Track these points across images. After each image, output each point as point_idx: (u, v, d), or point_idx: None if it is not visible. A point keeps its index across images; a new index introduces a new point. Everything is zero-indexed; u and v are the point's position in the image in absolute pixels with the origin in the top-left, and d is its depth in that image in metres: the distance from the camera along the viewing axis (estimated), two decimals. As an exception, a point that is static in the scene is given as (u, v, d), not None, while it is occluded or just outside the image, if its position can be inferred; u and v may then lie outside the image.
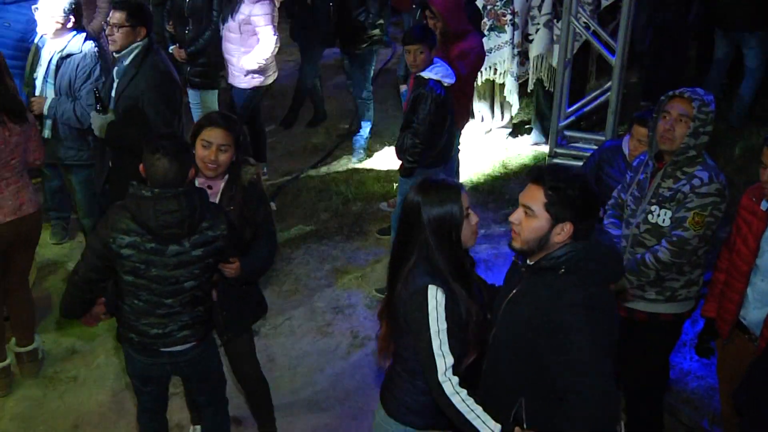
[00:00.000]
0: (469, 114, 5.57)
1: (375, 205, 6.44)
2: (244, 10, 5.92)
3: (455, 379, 2.72)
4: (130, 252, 3.20)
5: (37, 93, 4.79)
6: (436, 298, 2.72)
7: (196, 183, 3.47)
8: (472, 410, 2.71)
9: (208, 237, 3.26)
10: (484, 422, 2.68)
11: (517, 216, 2.69)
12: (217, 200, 3.49)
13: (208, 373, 3.65)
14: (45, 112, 4.71)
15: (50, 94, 4.74)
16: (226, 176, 3.53)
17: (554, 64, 6.47)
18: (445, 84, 4.81)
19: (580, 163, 4.51)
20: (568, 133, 5.01)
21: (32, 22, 5.11)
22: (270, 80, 6.36)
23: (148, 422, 3.75)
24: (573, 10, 4.62)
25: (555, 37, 6.43)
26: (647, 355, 3.84)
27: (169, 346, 3.41)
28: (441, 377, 2.72)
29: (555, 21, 6.43)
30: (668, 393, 4.32)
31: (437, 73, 4.79)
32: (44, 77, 4.75)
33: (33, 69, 4.84)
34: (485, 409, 2.71)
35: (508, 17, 6.62)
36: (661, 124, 3.52)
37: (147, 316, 3.33)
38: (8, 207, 4.12)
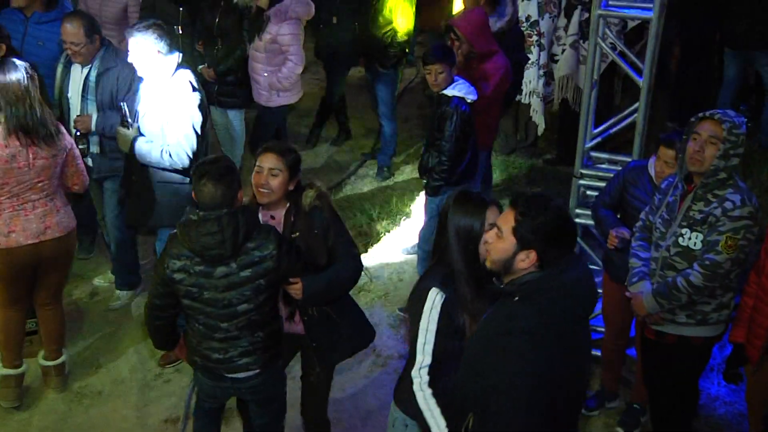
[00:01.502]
0: (495, 134, 5.56)
1: (399, 223, 6.44)
2: (271, 29, 5.97)
3: (425, 378, 2.96)
4: (182, 276, 3.27)
5: (76, 112, 4.84)
6: (433, 300, 2.93)
7: (260, 216, 3.50)
8: (429, 409, 2.96)
9: (255, 258, 3.26)
10: (436, 422, 2.93)
11: (489, 235, 2.75)
12: (280, 229, 3.46)
13: (271, 401, 3.64)
14: (93, 128, 4.77)
15: (92, 110, 4.80)
16: (288, 204, 3.50)
17: (580, 84, 6.46)
18: (468, 100, 4.82)
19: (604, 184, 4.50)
20: (593, 153, 4.97)
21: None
22: (295, 99, 6.40)
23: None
24: (600, 31, 4.60)
25: (581, 58, 6.42)
26: (676, 378, 3.80)
27: (232, 373, 3.42)
28: (414, 372, 2.98)
29: (581, 41, 6.42)
30: (696, 419, 4.26)
31: (460, 90, 4.80)
32: (83, 95, 4.80)
33: (63, 88, 4.89)
34: (444, 412, 2.92)
35: (534, 38, 6.62)
36: (690, 145, 3.50)
37: (207, 340, 3.37)
38: (31, 230, 4.13)
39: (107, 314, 5.27)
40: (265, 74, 6.10)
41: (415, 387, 2.97)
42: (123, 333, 5.12)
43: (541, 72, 6.71)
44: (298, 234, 3.47)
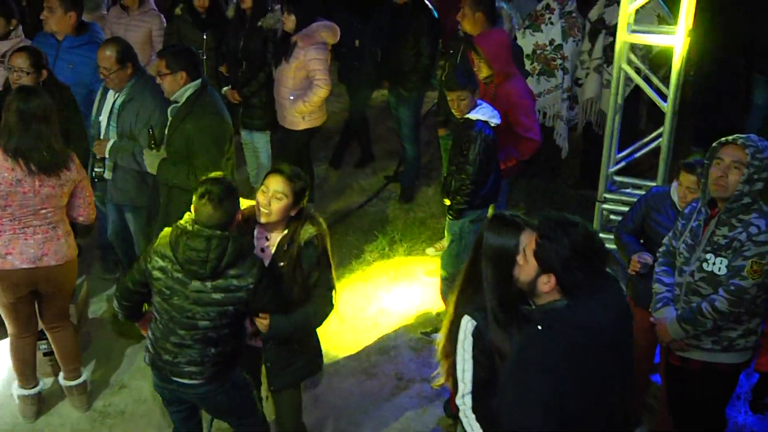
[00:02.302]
0: (517, 160, 5.53)
1: (421, 246, 6.44)
2: (299, 54, 6.02)
3: (469, 404, 2.96)
4: (159, 275, 3.40)
5: (101, 136, 4.91)
6: (465, 329, 2.95)
7: (255, 233, 3.55)
8: (472, 429, 2.97)
9: (231, 285, 3.33)
10: None
11: (519, 257, 2.76)
12: (270, 251, 3.53)
13: (223, 411, 3.74)
14: (106, 154, 4.83)
15: (113, 136, 4.86)
16: (285, 231, 3.53)
17: (604, 108, 6.46)
18: (492, 124, 4.83)
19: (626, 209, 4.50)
20: (617, 178, 4.97)
21: (95, 65, 5.29)
22: (319, 122, 6.44)
23: None
24: (624, 56, 4.61)
25: (605, 82, 6.43)
26: (703, 406, 3.75)
27: (176, 376, 3.52)
28: (458, 399, 2.99)
29: (605, 66, 6.43)
30: (723, 447, 4.20)
31: (483, 113, 4.81)
32: (108, 120, 4.87)
33: (99, 111, 4.96)
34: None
35: (558, 62, 6.64)
36: (713, 170, 3.49)
37: (163, 340, 3.49)
38: (28, 254, 4.14)
39: (131, 334, 5.28)
40: (291, 98, 6.15)
41: (461, 414, 3.00)
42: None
43: (565, 96, 6.72)
44: (283, 264, 3.50)
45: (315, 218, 3.57)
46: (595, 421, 2.67)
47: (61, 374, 4.61)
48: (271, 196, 3.45)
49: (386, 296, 5.81)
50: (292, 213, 3.50)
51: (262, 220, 3.49)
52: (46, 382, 4.70)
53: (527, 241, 2.84)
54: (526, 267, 2.67)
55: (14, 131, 3.98)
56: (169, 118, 4.62)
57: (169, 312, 3.42)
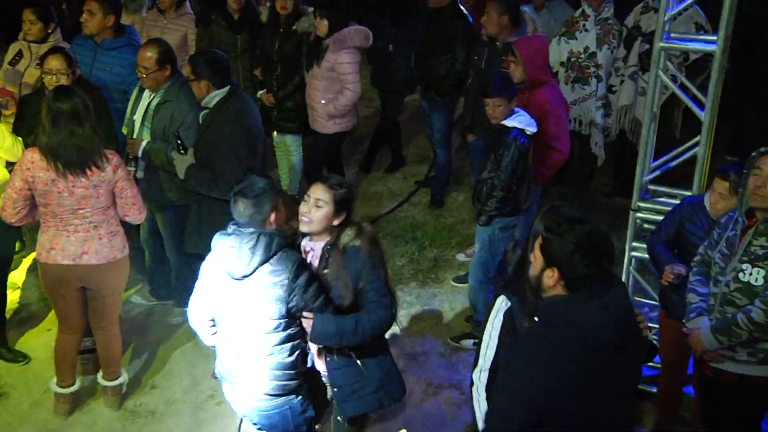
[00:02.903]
0: (551, 171, 5.47)
1: (451, 252, 6.43)
2: (330, 58, 6.05)
3: (484, 381, 3.03)
4: (213, 277, 3.46)
5: (134, 135, 4.97)
6: (498, 307, 3.03)
7: (302, 244, 3.56)
8: (480, 410, 3.04)
9: (267, 282, 3.33)
10: (477, 417, 3.05)
11: (532, 252, 2.73)
12: (316, 262, 3.51)
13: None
14: (139, 154, 4.89)
15: (146, 137, 4.92)
16: (328, 238, 3.49)
17: (638, 116, 6.40)
18: (528, 132, 4.80)
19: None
20: (652, 187, 4.91)
21: (131, 67, 5.36)
22: (350, 126, 6.47)
23: None
24: (661, 64, 4.56)
25: (640, 89, 6.37)
26: (737, 419, 3.69)
27: (236, 387, 3.49)
28: (474, 374, 3.08)
29: (640, 73, 6.37)
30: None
31: (520, 121, 4.79)
32: (142, 121, 4.93)
33: (133, 111, 5.02)
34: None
35: (592, 69, 6.59)
36: (752, 180, 3.45)
37: (224, 347, 3.50)
38: (69, 251, 4.18)
39: (163, 334, 5.36)
40: (323, 101, 6.18)
41: (473, 389, 3.07)
42: (178, 353, 5.19)
43: (599, 103, 6.67)
44: (327, 270, 3.46)
45: (359, 225, 3.51)
46: (599, 425, 2.61)
47: (100, 373, 4.66)
48: (312, 205, 3.44)
49: (415, 302, 5.80)
50: (335, 222, 3.46)
51: (303, 228, 3.49)
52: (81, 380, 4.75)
53: None
54: (534, 261, 2.66)
55: (46, 130, 4.03)
56: (199, 123, 4.68)
57: (224, 314, 3.47)
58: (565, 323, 2.52)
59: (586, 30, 6.60)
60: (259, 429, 3.62)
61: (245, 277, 3.32)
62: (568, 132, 5.43)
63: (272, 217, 3.41)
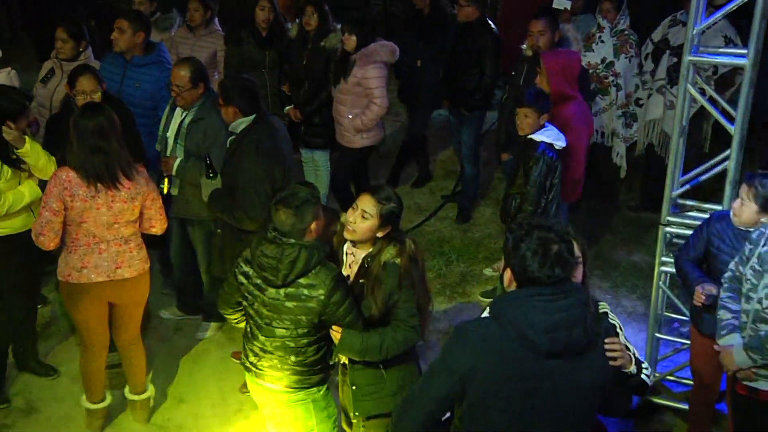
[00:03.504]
0: (577, 185, 5.44)
1: (478, 267, 6.41)
2: (357, 73, 6.08)
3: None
4: (243, 280, 3.53)
5: (168, 153, 5.02)
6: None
7: (345, 247, 3.61)
8: None
9: (302, 294, 3.37)
10: None
11: None
12: (355, 268, 3.54)
13: (294, 424, 3.66)
14: (173, 172, 4.93)
15: (180, 154, 4.96)
16: (371, 249, 3.51)
17: (667, 129, 6.35)
18: (557, 147, 4.78)
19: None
20: (681, 201, 4.86)
21: (160, 83, 5.43)
22: (377, 140, 6.48)
23: None
24: (690, 77, 4.52)
25: (668, 103, 6.33)
26: (771, 439, 3.63)
27: (260, 378, 3.60)
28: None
29: (668, 86, 6.33)
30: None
31: (549, 135, 4.77)
32: (175, 138, 4.98)
33: (166, 129, 5.07)
34: None
35: (611, 78, 6.59)
36: (784, 194, 3.40)
37: (250, 341, 3.59)
38: (103, 268, 4.21)
39: (191, 348, 5.38)
40: (350, 116, 6.20)
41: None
42: (206, 367, 5.21)
43: (620, 112, 6.65)
44: (363, 281, 3.48)
45: (403, 242, 3.50)
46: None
47: (127, 387, 4.69)
48: (358, 215, 3.46)
49: (443, 317, 5.78)
50: (379, 234, 3.47)
51: (346, 236, 3.52)
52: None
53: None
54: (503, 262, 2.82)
55: (74, 147, 4.08)
56: (227, 147, 4.71)
57: (252, 317, 3.54)
58: (504, 316, 2.64)
59: (602, 41, 6.63)
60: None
61: (281, 286, 3.38)
62: (584, 152, 5.36)
63: (312, 226, 3.45)
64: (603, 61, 6.59)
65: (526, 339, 2.59)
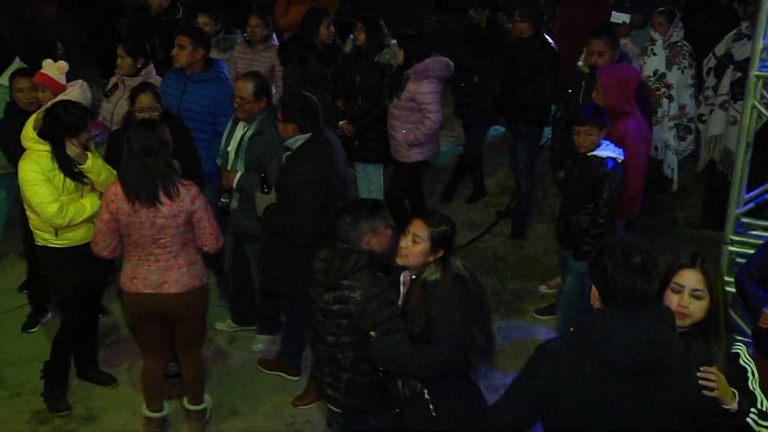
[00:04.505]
0: (636, 205, 5.33)
1: (533, 283, 6.33)
2: (410, 87, 6.09)
3: None
4: (313, 288, 3.71)
5: (229, 167, 5.07)
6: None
7: (401, 277, 3.62)
8: None
9: (343, 295, 3.50)
10: None
11: None
12: (404, 290, 3.58)
13: None
14: (234, 185, 4.99)
15: (240, 168, 5.02)
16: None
17: (729, 145, 6.21)
18: (620, 161, 4.70)
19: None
20: (745, 219, 4.74)
21: (219, 98, 5.51)
22: (431, 155, 6.47)
23: None
24: (756, 92, 4.41)
25: (731, 119, 6.19)
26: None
27: (323, 398, 3.73)
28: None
29: (732, 102, 6.19)
30: None
31: (613, 150, 4.69)
32: (236, 152, 5.04)
33: (227, 143, 5.12)
34: None
35: (663, 90, 6.49)
36: None
37: (318, 351, 3.74)
38: (150, 280, 4.27)
39: (246, 361, 5.42)
40: (403, 131, 6.21)
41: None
42: (260, 380, 5.23)
43: (671, 124, 6.53)
44: (410, 300, 3.49)
45: (447, 260, 3.47)
46: None
47: (185, 397, 4.74)
48: (410, 239, 3.48)
49: (496, 334, 5.71)
50: (431, 258, 3.46)
51: (399, 261, 3.54)
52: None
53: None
54: None
55: (123, 164, 4.18)
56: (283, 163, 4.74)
57: (317, 327, 3.70)
58: (586, 335, 2.61)
59: (654, 54, 6.56)
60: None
61: (328, 289, 3.51)
62: (643, 169, 5.22)
63: (368, 238, 3.54)
64: (655, 73, 6.52)
65: (606, 358, 2.54)
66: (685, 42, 6.55)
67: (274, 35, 7.03)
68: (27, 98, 5.27)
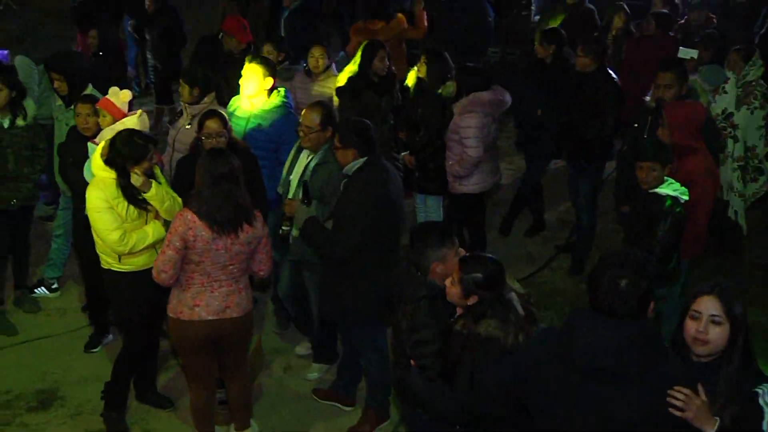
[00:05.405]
0: (701, 244, 5.20)
1: (593, 321, 6.19)
2: (456, 119, 6.15)
3: None
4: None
5: (290, 195, 5.07)
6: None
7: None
8: None
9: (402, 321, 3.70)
10: None
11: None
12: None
13: None
14: (296, 214, 5.01)
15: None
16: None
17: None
18: (681, 201, 4.61)
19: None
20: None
21: (283, 126, 5.57)
22: (479, 188, 6.39)
23: None
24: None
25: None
26: None
27: None
28: None
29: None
30: None
31: (674, 190, 4.60)
32: (298, 181, 5.06)
33: (289, 171, 5.15)
34: None
35: (729, 130, 6.34)
36: None
37: None
38: (214, 306, 4.30)
39: (299, 389, 5.42)
40: (450, 162, 6.26)
41: None
42: (314, 409, 5.22)
43: (735, 165, 6.35)
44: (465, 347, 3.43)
45: (482, 316, 3.33)
46: None
47: (233, 423, 4.75)
48: (451, 278, 3.47)
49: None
50: (469, 302, 3.39)
51: (448, 297, 3.50)
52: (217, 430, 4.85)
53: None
54: None
55: (204, 193, 4.21)
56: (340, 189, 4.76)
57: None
58: (559, 332, 2.90)
59: (725, 92, 6.40)
60: None
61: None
62: (709, 208, 5.11)
63: (435, 266, 3.60)
64: (723, 111, 6.39)
65: (566, 353, 2.74)
66: (762, 81, 6.39)
67: (334, 66, 7.10)
68: (83, 123, 5.34)
